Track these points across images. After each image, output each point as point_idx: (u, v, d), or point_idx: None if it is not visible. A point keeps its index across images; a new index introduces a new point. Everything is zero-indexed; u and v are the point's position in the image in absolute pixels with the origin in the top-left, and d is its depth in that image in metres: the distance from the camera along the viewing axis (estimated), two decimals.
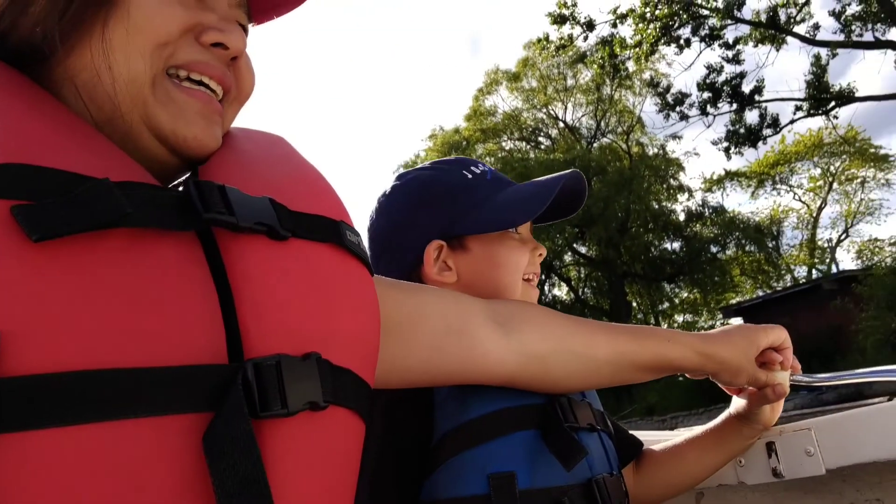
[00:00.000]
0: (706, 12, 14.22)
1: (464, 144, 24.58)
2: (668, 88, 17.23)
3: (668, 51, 15.18)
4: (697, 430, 1.13)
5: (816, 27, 14.65)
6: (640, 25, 14.04)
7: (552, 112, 25.23)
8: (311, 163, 0.67)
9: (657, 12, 14.03)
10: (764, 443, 1.08)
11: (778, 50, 15.09)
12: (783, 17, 14.70)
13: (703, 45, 14.92)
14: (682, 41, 14.76)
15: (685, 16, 14.07)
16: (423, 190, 1.03)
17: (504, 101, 25.80)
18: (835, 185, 25.81)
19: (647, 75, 20.79)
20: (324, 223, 0.58)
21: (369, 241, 1.07)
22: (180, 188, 0.55)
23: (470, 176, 1.03)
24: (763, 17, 14.55)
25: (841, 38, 14.04)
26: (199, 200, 0.49)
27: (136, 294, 0.43)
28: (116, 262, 0.43)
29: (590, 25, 15.15)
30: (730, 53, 15.11)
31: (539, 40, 16.44)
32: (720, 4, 14.01)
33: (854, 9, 13.85)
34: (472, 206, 0.99)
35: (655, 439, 1.18)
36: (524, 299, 1.00)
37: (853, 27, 13.92)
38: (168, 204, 0.48)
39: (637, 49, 14.38)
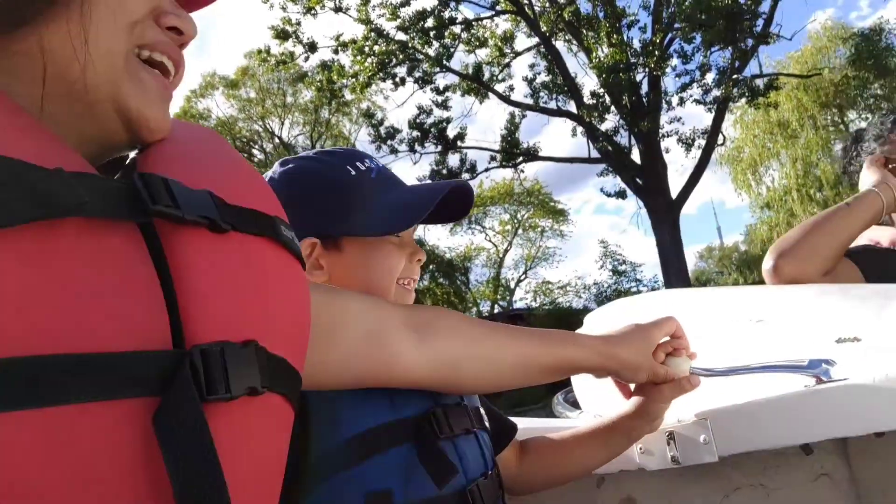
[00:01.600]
0: (420, 56, 15.04)
1: None
2: (381, 121, 17.88)
3: (386, 86, 15.74)
4: (597, 422, 1.14)
5: (512, 88, 16.31)
6: (359, 58, 14.40)
7: (269, 126, 24.80)
8: (243, 158, 0.67)
9: (375, 48, 14.52)
10: (665, 433, 1.12)
11: (481, 102, 16.48)
12: (487, 74, 16.12)
13: (416, 86, 15.72)
14: (397, 79, 15.43)
15: (401, 56, 14.73)
16: (302, 183, 0.99)
17: (219, 106, 24.85)
18: (520, 231, 28.63)
19: (364, 105, 21.40)
20: (260, 217, 0.58)
21: None
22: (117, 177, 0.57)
23: (353, 172, 0.99)
24: (470, 71, 15.80)
25: (530, 101, 15.76)
26: (147, 193, 0.49)
27: (83, 281, 0.43)
28: (67, 250, 0.43)
29: (312, 47, 15.18)
30: (439, 98, 16.11)
31: (260, 51, 16.09)
32: (433, 52, 14.92)
33: (543, 78, 15.67)
34: (351, 209, 0.96)
35: (553, 427, 1.22)
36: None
37: (541, 94, 15.72)
38: (115, 194, 0.48)
39: (354, 80, 14.71)
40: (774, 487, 1.27)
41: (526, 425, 1.19)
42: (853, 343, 1.08)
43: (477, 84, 15.64)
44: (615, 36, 13.43)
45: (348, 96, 16.83)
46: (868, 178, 1.57)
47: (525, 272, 28.99)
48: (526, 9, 14.52)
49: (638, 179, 14.34)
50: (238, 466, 0.48)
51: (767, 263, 1.49)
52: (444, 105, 16.21)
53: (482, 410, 1.03)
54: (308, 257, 0.96)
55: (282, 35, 15.14)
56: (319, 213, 0.96)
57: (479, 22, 15.78)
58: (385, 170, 1.04)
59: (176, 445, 0.42)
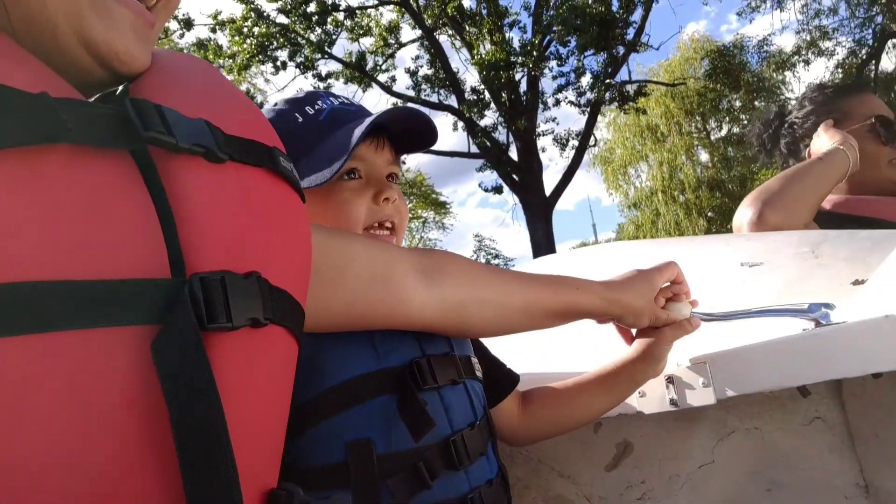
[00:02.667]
0: (302, 41, 14.74)
1: None
2: (261, 105, 17.37)
3: (267, 69, 15.31)
4: (599, 370, 1.12)
5: (394, 79, 16.29)
6: (237, 38, 13.94)
7: None
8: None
9: (255, 29, 14.10)
10: (664, 376, 1.12)
11: (364, 91, 16.36)
12: (371, 64, 16.00)
13: (297, 71, 15.39)
14: (278, 62, 15.04)
15: (282, 39, 14.38)
16: None
17: None
18: None
19: (244, 87, 20.73)
20: (258, 148, 0.57)
21: None
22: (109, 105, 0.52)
23: (300, 119, 0.94)
24: (354, 59, 15.64)
25: (413, 94, 15.80)
26: (138, 119, 0.48)
27: (77, 208, 0.42)
28: (57, 177, 0.42)
29: (187, 24, 14.53)
30: (321, 85, 15.84)
31: None
32: (314, 37, 14.66)
33: (425, 71, 15.74)
34: (295, 158, 0.89)
35: (556, 375, 1.19)
36: None
37: (423, 87, 15.79)
38: (105, 121, 0.47)
39: (231, 60, 14.22)
40: (769, 430, 1.29)
41: (528, 374, 1.18)
42: (860, 285, 1.11)
43: (360, 73, 15.50)
44: (497, 34, 13.68)
45: (228, 77, 16.22)
46: (826, 140, 1.67)
47: None
48: (410, 1, 14.51)
49: (515, 176, 14.70)
50: (241, 397, 0.47)
51: (750, 213, 1.51)
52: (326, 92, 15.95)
53: (474, 360, 1.00)
54: None
55: None
56: None
57: (364, 11, 15.65)
58: (341, 109, 0.97)
59: (173, 371, 0.42)
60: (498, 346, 1.17)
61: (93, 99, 0.60)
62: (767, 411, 1.29)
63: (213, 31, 14.53)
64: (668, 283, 1.08)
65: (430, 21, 14.73)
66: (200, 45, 14.60)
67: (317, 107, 0.95)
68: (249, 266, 0.50)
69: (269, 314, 0.51)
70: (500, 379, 1.11)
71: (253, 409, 0.49)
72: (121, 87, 0.59)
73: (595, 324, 1.09)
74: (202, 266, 0.48)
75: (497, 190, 15.94)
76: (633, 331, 1.12)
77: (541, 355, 1.42)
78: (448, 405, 0.88)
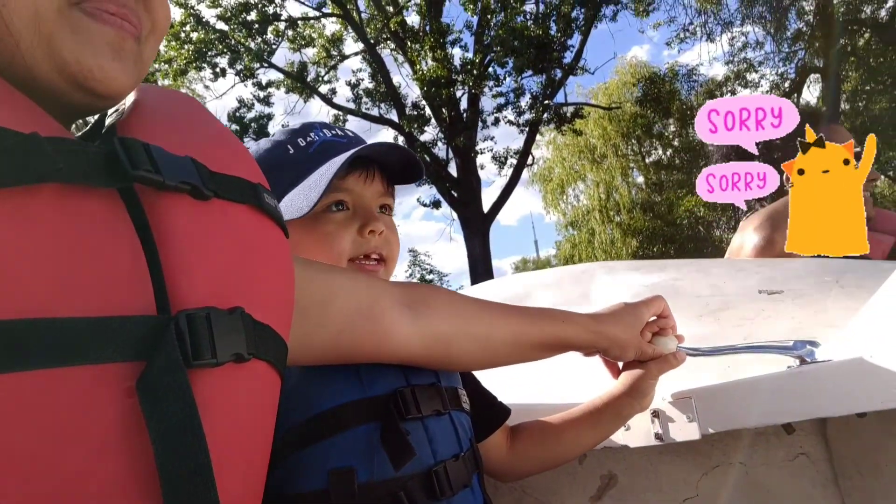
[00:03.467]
0: (241, 49, 14.58)
1: None
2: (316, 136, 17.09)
3: (206, 74, 15.07)
4: (587, 405, 1.12)
5: (335, 91, 16.25)
6: (174, 44, 13.70)
7: None
8: (225, 126, 0.66)
9: (193, 35, 13.89)
10: (650, 410, 1.12)
11: (305, 101, 16.25)
12: (313, 74, 15.93)
13: (237, 78, 15.22)
14: (217, 69, 14.84)
15: (221, 46, 14.20)
16: None
17: None
18: None
19: (183, 91, 20.34)
20: (243, 185, 0.57)
21: None
22: (97, 142, 0.54)
23: (291, 150, 0.94)
24: (296, 69, 15.55)
25: (353, 106, 15.79)
26: (126, 157, 0.49)
27: (64, 246, 0.43)
28: (45, 215, 0.43)
29: None
30: (262, 94, 15.70)
31: None
32: (254, 46, 14.52)
33: (367, 84, 15.75)
34: (284, 190, 0.92)
35: (543, 409, 1.19)
36: None
37: (364, 100, 15.79)
38: (93, 160, 0.47)
39: (167, 66, 13.96)
40: (753, 465, 1.29)
41: (516, 406, 1.17)
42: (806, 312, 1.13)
43: (301, 83, 15.42)
44: (439, 51, 13.80)
45: (162, 82, 15.95)
46: None
47: None
48: (353, 13, 14.53)
49: (454, 192, 14.81)
50: (224, 432, 0.47)
51: (757, 237, 1.51)
52: (265, 101, 15.81)
53: (461, 391, 0.99)
54: None
55: None
56: None
57: (307, 21, 15.58)
58: (333, 139, 0.97)
59: (159, 410, 0.42)
60: (485, 376, 1.17)
61: (79, 134, 0.62)
62: (752, 446, 1.30)
63: None
64: (655, 318, 1.09)
65: (372, 35, 14.77)
66: None
67: (308, 139, 0.95)
68: (234, 301, 0.51)
69: (252, 349, 0.51)
70: (491, 412, 1.11)
71: (235, 443, 0.50)
72: (109, 121, 0.59)
73: (582, 356, 1.09)
74: (187, 302, 0.48)
75: (435, 205, 16.03)
76: (620, 364, 1.13)
77: (528, 386, 1.42)
78: (432, 436, 0.88)
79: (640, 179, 20.69)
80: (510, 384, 1.37)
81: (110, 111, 0.61)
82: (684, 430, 1.09)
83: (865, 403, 0.93)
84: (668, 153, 19.28)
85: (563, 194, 22.46)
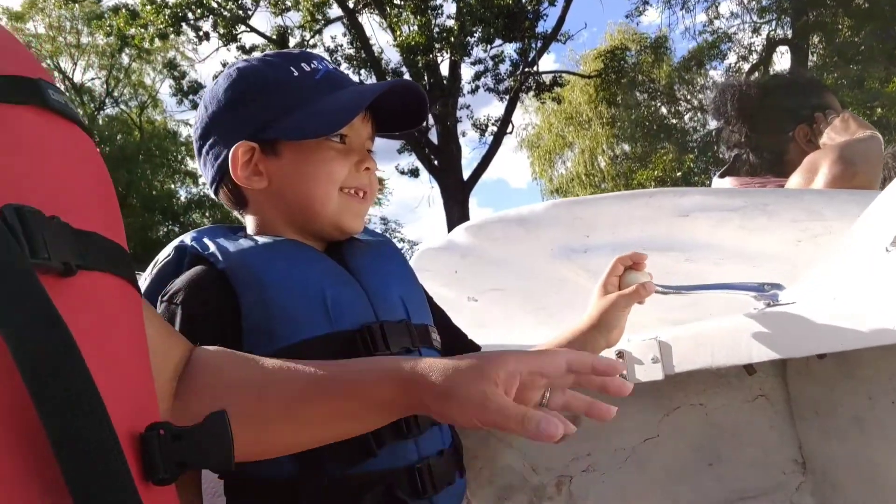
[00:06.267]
0: (225, 13, 14.55)
1: None
2: (184, 74, 17.08)
3: (190, 38, 15.07)
4: (549, 342, 1.08)
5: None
6: (149, 9, 13.68)
7: (60, 66, 22.83)
8: None
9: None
10: (614, 351, 1.11)
11: None
12: (298, 38, 15.89)
13: (220, 42, 15.19)
14: (201, 33, 14.83)
15: (199, 11, 14.17)
16: (242, 84, 0.93)
17: None
18: None
19: (172, 54, 20.31)
20: (17, 82, 0.50)
21: (194, 134, 0.97)
22: None
23: (296, 73, 0.92)
24: (276, 34, 15.51)
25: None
26: None
27: None
28: None
29: None
30: (245, 57, 15.65)
31: None
32: (226, 12, 14.46)
33: (347, 50, 15.72)
34: (286, 109, 0.91)
35: (512, 347, 1.12)
36: (343, 213, 0.94)
37: (342, 66, 15.77)
38: None
39: (143, 30, 13.96)
40: (714, 407, 1.32)
41: (484, 347, 1.12)
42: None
43: (281, 47, 15.39)
44: (419, 17, 13.76)
45: (145, 45, 15.93)
46: (854, 127, 1.70)
47: None
48: None
49: (434, 159, 14.90)
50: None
51: (839, 168, 1.55)
52: None
53: (432, 328, 0.98)
54: (248, 162, 0.92)
55: None
56: (256, 115, 0.92)
57: None
58: (335, 73, 0.97)
59: (8, 305, 0.37)
60: (454, 316, 1.13)
61: None
62: (713, 388, 1.32)
63: None
64: (630, 252, 1.07)
65: (351, 0, 14.71)
66: (115, 10, 14.30)
67: (312, 65, 0.95)
68: (46, 210, 0.44)
69: (78, 259, 0.44)
70: (461, 350, 1.05)
71: (93, 354, 0.43)
72: None
73: (560, 296, 1.08)
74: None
75: (413, 172, 16.12)
76: (614, 291, 1.07)
77: (496, 327, 1.41)
78: None
79: (627, 148, 20.69)
80: (479, 324, 1.36)
81: None
82: (648, 371, 1.09)
83: (826, 345, 0.94)
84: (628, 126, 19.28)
85: (550, 161, 22.48)
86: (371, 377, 0.70)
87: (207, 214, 23.31)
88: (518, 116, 19.92)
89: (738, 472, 1.35)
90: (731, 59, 14.99)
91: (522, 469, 1.41)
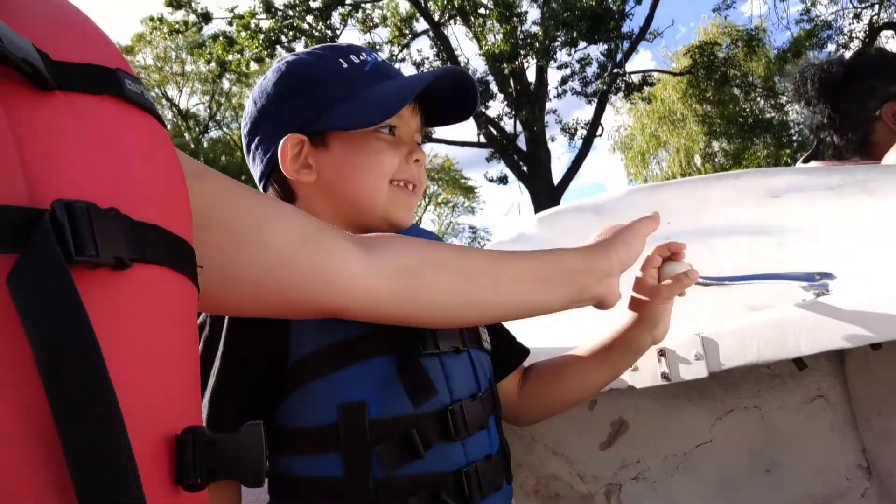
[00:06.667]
0: (316, 33, 15.04)
1: None
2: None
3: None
4: (596, 341, 1.05)
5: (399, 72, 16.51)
6: (243, 34, 14.31)
7: (168, 94, 24.23)
8: (76, 5, 0.57)
9: (263, 24, 14.46)
10: (656, 349, 1.06)
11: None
12: (386, 54, 16.24)
13: None
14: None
15: (291, 34, 14.71)
16: (292, 77, 0.93)
17: None
18: (430, 207, 29.02)
19: None
20: (95, 71, 0.50)
21: (243, 129, 0.98)
22: None
23: (345, 65, 0.92)
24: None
25: None
26: None
27: None
28: None
29: (206, 17, 15.00)
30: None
31: (152, 18, 15.79)
32: (317, 33, 14.93)
33: (433, 62, 15.90)
34: (336, 100, 0.90)
35: (553, 350, 1.11)
36: (393, 206, 0.93)
37: None
38: None
39: (240, 56, 14.61)
40: (769, 409, 1.26)
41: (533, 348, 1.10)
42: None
43: None
44: (504, 25, 13.78)
45: (243, 70, 16.69)
46: None
47: None
48: None
49: (523, 165, 14.87)
50: (112, 340, 0.42)
51: None
52: None
53: (482, 329, 0.96)
54: (297, 156, 0.91)
55: (174, 4, 14.88)
56: (305, 107, 0.91)
57: (375, 3, 15.88)
58: (384, 64, 0.97)
59: (35, 302, 0.37)
60: None
61: None
62: (767, 389, 1.26)
63: (230, 23, 14.95)
64: (666, 242, 1.01)
65: (437, 12, 14.91)
66: (214, 38, 15.04)
67: (361, 57, 0.94)
68: (105, 202, 0.44)
69: (136, 254, 0.45)
70: (508, 352, 1.06)
71: (129, 355, 0.44)
72: None
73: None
74: (61, 194, 0.42)
75: (502, 180, 16.12)
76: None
77: (537, 326, 1.36)
78: (449, 373, 0.85)
79: (726, 145, 19.96)
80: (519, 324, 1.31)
81: None
82: (692, 368, 1.03)
83: (880, 333, 0.89)
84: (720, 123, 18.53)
85: (644, 162, 22.00)
86: (560, 249, 0.88)
87: None
88: (609, 118, 19.58)
89: (798, 479, 1.28)
90: (831, 47, 14.22)
91: (570, 478, 1.37)
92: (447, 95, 0.96)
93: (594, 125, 15.10)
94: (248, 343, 0.79)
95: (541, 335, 1.26)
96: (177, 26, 15.47)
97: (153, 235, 0.48)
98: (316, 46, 0.98)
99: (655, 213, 0.96)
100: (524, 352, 1.08)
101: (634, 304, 1.01)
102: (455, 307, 0.81)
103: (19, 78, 0.44)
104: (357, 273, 0.72)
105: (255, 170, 0.98)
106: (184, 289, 0.51)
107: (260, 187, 0.99)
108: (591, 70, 14.48)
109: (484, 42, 14.21)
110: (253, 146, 0.97)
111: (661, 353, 1.07)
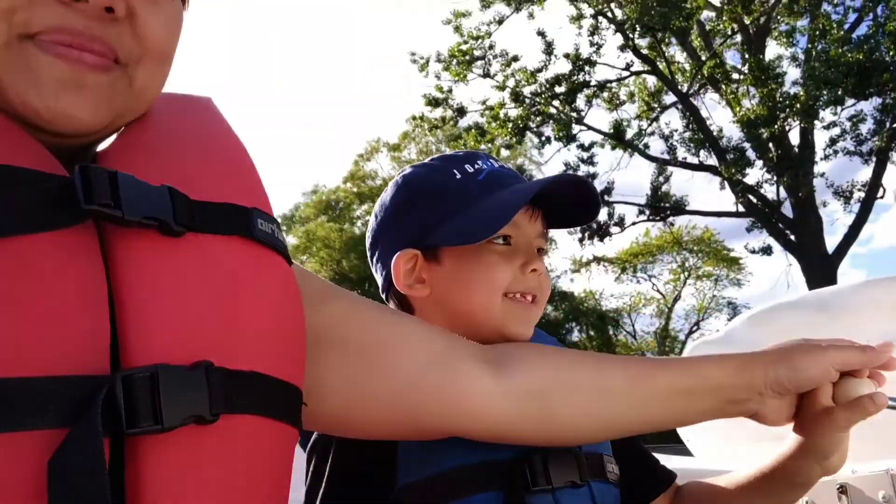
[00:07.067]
0: (562, 116, 15.47)
1: (340, 205, 25.24)
2: (530, 178, 18.38)
3: (534, 142, 16.36)
4: (756, 467, 0.93)
5: (647, 146, 16.26)
6: (493, 124, 15.14)
7: None
8: (234, 134, 0.60)
9: (512, 113, 15.20)
10: (835, 485, 0.96)
11: (631, 156, 16.54)
12: (635, 128, 16.20)
13: (560, 143, 16.13)
14: (543, 137, 15.98)
15: (540, 119, 15.27)
16: (404, 190, 0.94)
17: (383, 168, 26.72)
18: (690, 281, 27.68)
19: (520, 161, 22.09)
20: (230, 212, 0.51)
21: (367, 242, 0.99)
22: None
23: (458, 176, 0.91)
24: (613, 127, 15.98)
25: (668, 157, 15.62)
26: (83, 189, 0.44)
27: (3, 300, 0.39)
28: None
29: (461, 111, 16.19)
30: (585, 155, 16.39)
31: (415, 117, 17.41)
32: (563, 116, 15.30)
33: (682, 133, 15.49)
34: (447, 214, 0.89)
35: (707, 471, 1.03)
36: (509, 320, 0.88)
37: (678, 148, 15.54)
38: (48, 197, 0.43)
39: (490, 145, 15.44)
40: None
41: (676, 465, 1.02)
42: None
43: (617, 141, 15.77)
44: (760, 89, 13.08)
45: (505, 153, 17.59)
46: None
47: (697, 323, 27.90)
48: (659, 65, 14.55)
49: (790, 234, 13.71)
50: (185, 501, 0.43)
51: None
52: (590, 161, 16.46)
53: (607, 457, 0.89)
54: (410, 271, 0.90)
55: (433, 102, 16.29)
56: (418, 221, 0.90)
57: (622, 81, 15.98)
58: (502, 170, 0.94)
59: (65, 485, 0.37)
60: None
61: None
62: None
63: (482, 115, 15.99)
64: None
65: (684, 83, 14.60)
66: (467, 130, 16.13)
67: (476, 166, 0.92)
68: (202, 353, 0.45)
69: (221, 407, 0.45)
70: (650, 476, 1.00)
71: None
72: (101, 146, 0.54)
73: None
74: (141, 359, 0.43)
75: (765, 251, 14.92)
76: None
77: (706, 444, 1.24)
78: None
79: None
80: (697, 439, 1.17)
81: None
82: None
83: None
84: None
85: None
86: (708, 359, 0.79)
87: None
88: (894, 177, 17.37)
89: None
90: None
91: None
92: (570, 197, 0.93)
93: (874, 186, 13.51)
94: (353, 474, 0.79)
95: (704, 453, 1.11)
96: (436, 122, 16.81)
97: (252, 384, 0.48)
98: (434, 157, 0.99)
99: (884, 344, 0.78)
100: (670, 477, 1.00)
101: (799, 430, 0.84)
102: (589, 429, 0.77)
103: (146, 230, 0.46)
104: (485, 394, 0.70)
105: (379, 282, 0.98)
106: (277, 432, 0.51)
107: (383, 298, 0.99)
108: (866, 127, 13.11)
109: (738, 108, 13.54)
110: (374, 259, 0.97)
111: (842, 489, 0.92)
